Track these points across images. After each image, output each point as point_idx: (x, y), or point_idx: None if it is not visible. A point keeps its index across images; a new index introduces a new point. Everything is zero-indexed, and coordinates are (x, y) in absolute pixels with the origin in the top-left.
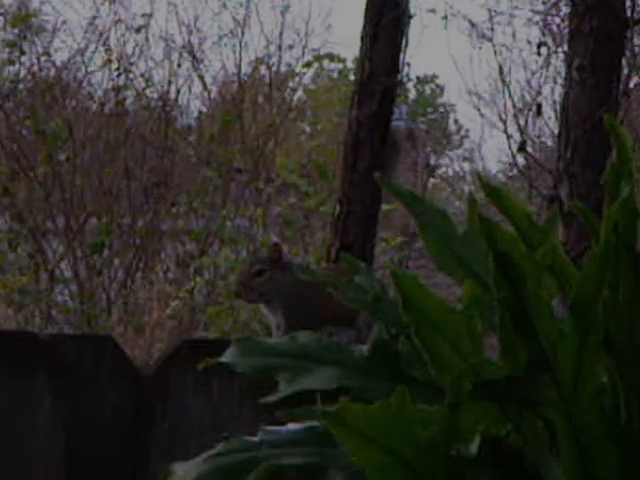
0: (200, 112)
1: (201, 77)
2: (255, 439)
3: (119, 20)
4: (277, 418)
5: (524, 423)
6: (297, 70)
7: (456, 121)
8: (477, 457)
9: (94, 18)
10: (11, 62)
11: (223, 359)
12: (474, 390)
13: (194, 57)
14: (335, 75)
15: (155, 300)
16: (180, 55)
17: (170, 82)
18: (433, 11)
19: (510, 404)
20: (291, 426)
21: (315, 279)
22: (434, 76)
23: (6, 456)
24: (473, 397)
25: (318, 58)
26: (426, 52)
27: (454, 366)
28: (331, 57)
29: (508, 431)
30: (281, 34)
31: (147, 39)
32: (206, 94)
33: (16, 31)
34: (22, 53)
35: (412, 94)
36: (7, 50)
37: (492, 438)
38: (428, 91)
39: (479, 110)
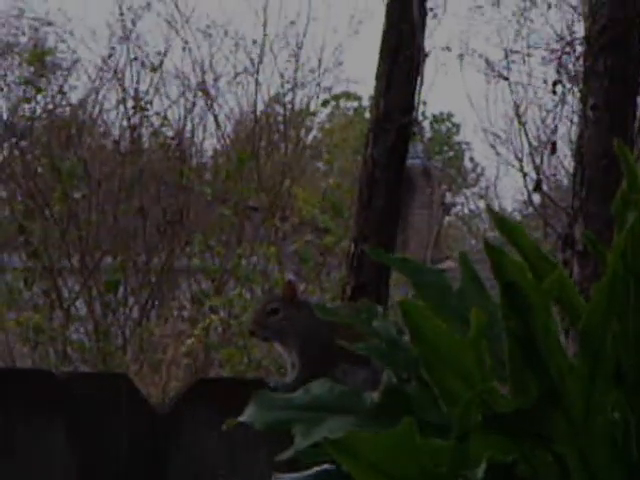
0: (215, 150)
1: (215, 116)
2: None
3: (134, 58)
4: (291, 460)
5: (534, 456)
6: (313, 109)
7: (472, 159)
8: None
9: (109, 56)
10: (27, 100)
11: (243, 419)
12: (484, 422)
13: (208, 95)
14: (351, 113)
15: (170, 338)
16: (195, 94)
17: (185, 121)
18: (448, 49)
19: (520, 438)
20: (305, 472)
21: (336, 318)
22: (450, 114)
23: None
24: (483, 429)
25: (336, 97)
26: (442, 90)
27: (463, 396)
28: (348, 95)
29: (515, 459)
30: (295, 71)
31: (162, 77)
32: (220, 132)
33: (32, 69)
34: (38, 91)
35: (428, 132)
36: (23, 88)
37: (500, 465)
38: (444, 129)
39: (495, 148)
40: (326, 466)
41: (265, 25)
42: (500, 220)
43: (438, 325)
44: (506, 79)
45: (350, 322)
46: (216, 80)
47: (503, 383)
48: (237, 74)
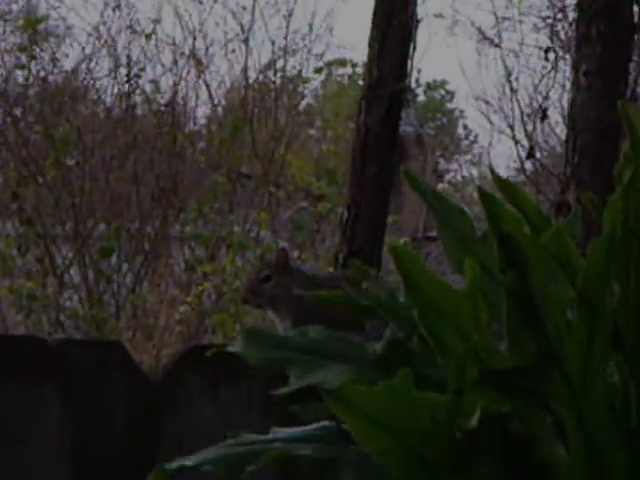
0: (209, 118)
1: (206, 84)
2: (267, 436)
3: (128, 26)
4: (287, 422)
5: (531, 414)
6: (307, 76)
7: (465, 126)
8: (480, 436)
9: (103, 23)
10: (22, 66)
11: (233, 349)
12: (480, 378)
13: (200, 63)
14: (345, 80)
15: (163, 305)
16: (187, 60)
17: (177, 88)
18: (441, 16)
19: (517, 395)
20: (304, 427)
21: (324, 298)
22: (444, 82)
23: (13, 460)
24: (479, 385)
25: (329, 64)
26: (436, 58)
27: (458, 349)
28: (342, 62)
29: (509, 413)
30: (286, 38)
31: (155, 45)
32: (212, 100)
33: (26, 36)
34: (32, 58)
35: (422, 99)
36: (15, 55)
37: (494, 417)
38: (438, 97)
39: (486, 116)
40: (325, 422)
41: None
42: (503, 182)
43: (431, 275)
44: (497, 46)
45: (340, 301)
46: (207, 48)
47: (501, 340)
48: (228, 41)
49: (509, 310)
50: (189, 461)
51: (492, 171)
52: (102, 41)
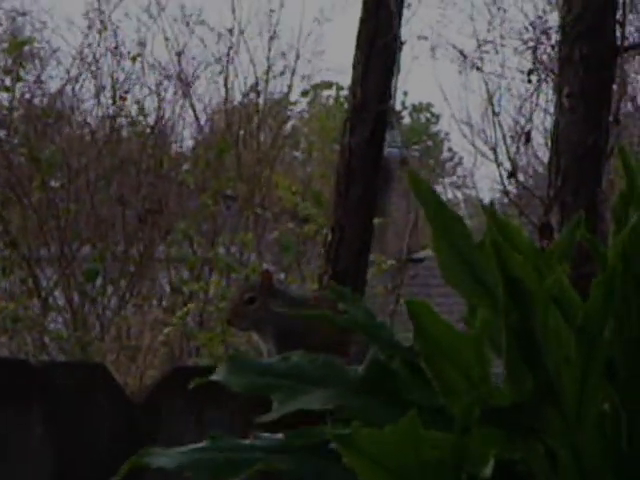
0: (195, 139)
1: (192, 105)
2: (246, 442)
3: (114, 48)
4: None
5: (528, 450)
6: (291, 98)
7: (450, 149)
8: None
9: (88, 46)
10: (7, 89)
11: (215, 377)
12: (482, 416)
13: (185, 85)
14: (330, 102)
15: (148, 327)
16: (173, 82)
17: (163, 110)
18: (425, 38)
19: (516, 431)
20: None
21: (302, 316)
22: (429, 105)
23: None
24: (480, 423)
25: (315, 86)
26: (422, 81)
27: (463, 393)
28: (328, 85)
29: (514, 458)
30: (268, 59)
31: (141, 67)
32: (198, 122)
33: (9, 59)
34: (19, 79)
35: (407, 122)
36: (1, 78)
37: (504, 461)
38: (423, 119)
39: (468, 139)
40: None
41: (237, 13)
42: (493, 216)
43: (442, 322)
44: (479, 69)
45: (318, 315)
46: (193, 70)
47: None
48: (209, 63)
49: (509, 349)
50: (170, 464)
51: (484, 207)
52: (86, 64)
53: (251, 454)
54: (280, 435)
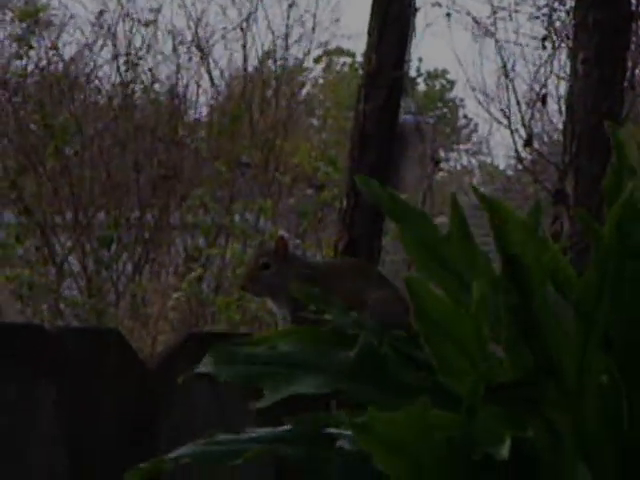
0: (210, 106)
1: (209, 72)
2: (244, 435)
3: (127, 14)
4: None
5: (532, 426)
6: (306, 65)
7: (465, 116)
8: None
9: (102, 12)
10: (19, 56)
11: (201, 369)
12: (485, 394)
13: (202, 51)
14: (345, 69)
15: (159, 293)
16: (188, 49)
17: (178, 77)
18: (439, 5)
19: (518, 407)
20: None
21: (306, 300)
22: (444, 71)
23: (7, 449)
24: (483, 401)
25: (328, 53)
26: (438, 48)
27: (465, 371)
28: (340, 51)
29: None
30: (287, 27)
31: (155, 34)
32: (214, 89)
33: (24, 26)
34: (30, 47)
35: (422, 89)
36: (15, 45)
37: (514, 440)
38: (438, 86)
39: (483, 106)
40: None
41: None
42: (484, 198)
43: (440, 300)
44: (493, 36)
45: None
46: (209, 37)
47: (497, 344)
48: (230, 29)
49: (509, 326)
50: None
51: (475, 189)
52: (103, 29)
53: (248, 445)
54: (284, 426)
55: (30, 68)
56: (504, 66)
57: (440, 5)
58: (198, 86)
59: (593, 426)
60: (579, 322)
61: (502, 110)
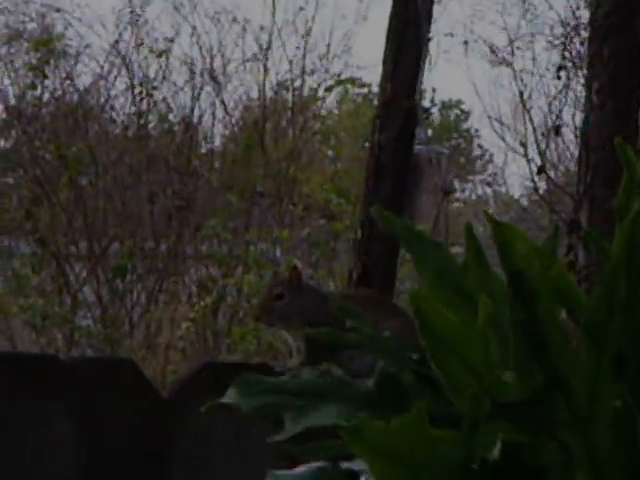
0: (223, 136)
1: (223, 102)
2: None
3: (141, 44)
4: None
5: (540, 444)
6: (319, 95)
7: (480, 146)
8: (496, 467)
9: (116, 42)
10: (33, 87)
11: (225, 400)
12: (491, 411)
13: (216, 81)
14: (359, 100)
15: (168, 323)
16: (202, 79)
17: (193, 106)
18: (451, 35)
19: (526, 425)
20: (299, 469)
21: (318, 337)
22: (459, 102)
23: (26, 476)
24: (490, 418)
25: (340, 82)
26: (452, 77)
27: (470, 387)
28: (352, 81)
29: (522, 444)
30: (304, 57)
31: (168, 63)
32: (228, 118)
33: (38, 55)
34: (45, 77)
35: (437, 119)
36: (30, 74)
37: (509, 447)
38: (452, 116)
39: (500, 135)
40: (321, 463)
41: (274, 11)
42: (495, 222)
43: (447, 316)
44: (509, 65)
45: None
46: (224, 66)
47: (506, 366)
48: (245, 60)
49: (517, 344)
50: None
51: (486, 214)
52: (117, 60)
53: None
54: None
55: (45, 98)
56: (521, 95)
57: (452, 35)
58: (213, 116)
59: (605, 452)
60: (589, 344)
61: (520, 141)
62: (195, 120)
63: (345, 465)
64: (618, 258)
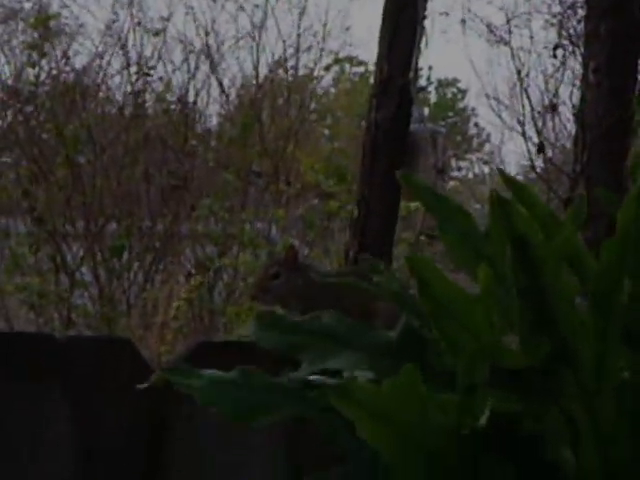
0: (220, 115)
1: (219, 80)
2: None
3: (137, 23)
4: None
5: (543, 412)
6: (316, 73)
7: (477, 124)
8: (488, 434)
9: (113, 22)
10: (31, 64)
11: (244, 332)
12: (492, 377)
13: (212, 60)
14: (356, 78)
15: (166, 301)
16: (198, 58)
17: (188, 86)
18: (446, 14)
19: (529, 394)
20: None
21: (337, 283)
22: (455, 80)
23: (20, 457)
24: (490, 384)
25: (337, 61)
26: (449, 56)
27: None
28: (350, 60)
29: (520, 412)
30: (299, 36)
31: (165, 42)
32: (224, 97)
33: (36, 34)
34: (43, 55)
35: (433, 98)
36: (27, 52)
37: (503, 416)
38: (449, 95)
39: (497, 113)
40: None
41: None
42: (511, 182)
43: (446, 280)
44: (507, 44)
45: (352, 284)
46: (219, 45)
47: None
48: (239, 38)
49: (522, 310)
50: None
51: (501, 171)
52: (114, 39)
53: (281, 397)
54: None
55: (42, 77)
56: (519, 73)
57: (447, 14)
58: (209, 95)
59: (610, 420)
60: (596, 312)
61: (517, 119)
62: (191, 99)
63: None
64: (627, 226)
